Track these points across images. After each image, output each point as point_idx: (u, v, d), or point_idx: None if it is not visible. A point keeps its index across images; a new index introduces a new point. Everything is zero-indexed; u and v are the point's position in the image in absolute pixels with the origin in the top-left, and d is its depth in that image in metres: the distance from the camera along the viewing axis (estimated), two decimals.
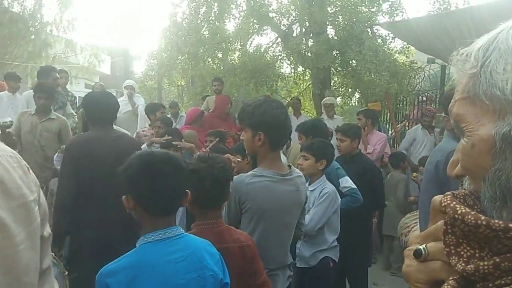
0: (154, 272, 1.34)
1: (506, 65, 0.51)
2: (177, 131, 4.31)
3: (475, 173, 0.57)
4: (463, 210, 0.51)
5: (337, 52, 8.02)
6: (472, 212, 0.51)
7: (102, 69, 20.60)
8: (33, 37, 14.32)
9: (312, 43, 7.94)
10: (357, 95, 10.35)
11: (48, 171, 3.81)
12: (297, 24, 8.85)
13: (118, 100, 7.57)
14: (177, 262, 1.38)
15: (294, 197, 2.08)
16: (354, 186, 3.12)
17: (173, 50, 9.56)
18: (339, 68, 8.98)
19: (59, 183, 2.65)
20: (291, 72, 10.14)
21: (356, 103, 11.30)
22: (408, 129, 7.11)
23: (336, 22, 8.05)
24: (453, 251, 0.52)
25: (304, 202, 2.20)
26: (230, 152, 3.05)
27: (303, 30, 8.64)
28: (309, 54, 7.68)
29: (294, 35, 8.59)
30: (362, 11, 8.00)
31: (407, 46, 9.74)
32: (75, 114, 5.23)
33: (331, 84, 9.41)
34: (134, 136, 4.90)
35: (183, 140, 4.19)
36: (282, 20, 8.91)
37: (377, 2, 8.28)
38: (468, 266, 0.49)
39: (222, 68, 9.69)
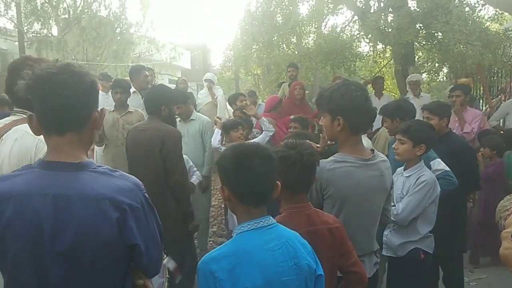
0: (254, 260, 1.37)
1: None
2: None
3: None
4: None
5: (421, 25, 7.45)
6: None
7: (183, 64, 21.59)
8: (118, 38, 15.40)
9: (392, 18, 7.46)
10: (445, 70, 9.60)
11: None
12: None
13: (199, 92, 7.92)
14: (274, 250, 1.41)
15: (378, 182, 1.98)
16: (447, 168, 2.87)
17: (248, 40, 9.65)
18: (423, 42, 8.36)
19: None
20: (370, 50, 9.69)
21: (444, 78, 10.50)
22: None
23: None
24: None
25: (389, 187, 2.08)
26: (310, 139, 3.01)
27: (381, 5, 8.18)
28: (389, 30, 7.23)
29: (372, 11, 8.15)
30: None
31: (500, 13, 8.77)
32: None
33: (415, 59, 8.81)
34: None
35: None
36: None
37: None
38: None
39: (296, 53, 9.57)
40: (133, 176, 1.36)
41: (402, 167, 2.77)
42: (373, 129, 4.77)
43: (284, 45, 10.03)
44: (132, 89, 4.81)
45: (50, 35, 15.17)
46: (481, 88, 8.03)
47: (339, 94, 1.92)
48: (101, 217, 1.21)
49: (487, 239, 4.24)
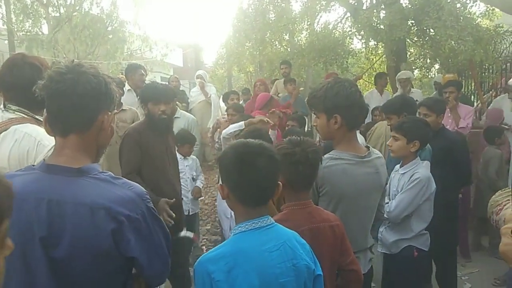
0: (251, 261, 1.35)
1: None
2: (250, 117, 4.36)
3: None
4: None
5: (413, 21, 7.49)
6: None
7: (175, 61, 21.48)
8: (111, 36, 15.29)
9: (384, 15, 7.49)
10: (436, 66, 9.65)
11: None
12: None
13: (192, 90, 7.88)
14: (271, 251, 1.38)
15: (374, 179, 1.99)
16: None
17: (240, 37, 9.64)
18: (415, 39, 8.40)
19: None
20: (362, 47, 9.72)
21: (436, 74, 10.58)
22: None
23: None
24: None
25: (384, 184, 2.09)
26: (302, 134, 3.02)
27: (374, 1, 8.20)
28: (381, 27, 7.25)
29: (364, 8, 8.17)
30: None
31: (491, 9, 8.83)
32: None
33: (407, 56, 8.85)
34: (215, 123, 5.06)
35: None
36: None
37: None
38: None
39: (289, 50, 9.58)
40: (137, 185, 1.29)
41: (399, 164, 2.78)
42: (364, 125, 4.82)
43: (276, 42, 10.04)
44: (127, 87, 4.77)
45: (40, 33, 15.01)
46: (473, 84, 8.09)
47: (334, 92, 1.91)
48: (94, 227, 1.16)
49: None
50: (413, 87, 6.58)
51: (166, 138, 3.13)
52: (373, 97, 6.75)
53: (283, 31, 9.37)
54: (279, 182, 1.47)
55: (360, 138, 2.19)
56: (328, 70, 8.93)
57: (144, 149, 2.97)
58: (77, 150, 1.25)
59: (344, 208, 1.93)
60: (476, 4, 7.94)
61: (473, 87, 8.28)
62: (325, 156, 1.95)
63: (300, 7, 9.40)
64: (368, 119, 5.24)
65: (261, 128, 3.29)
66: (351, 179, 1.91)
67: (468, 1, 7.64)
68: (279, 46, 10.20)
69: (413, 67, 9.03)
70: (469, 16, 7.31)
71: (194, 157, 4.37)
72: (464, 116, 4.67)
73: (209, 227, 5.49)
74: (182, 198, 3.43)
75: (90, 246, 1.17)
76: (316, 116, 2.03)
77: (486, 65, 7.96)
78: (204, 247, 4.74)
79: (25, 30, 14.76)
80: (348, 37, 8.95)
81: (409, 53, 9.24)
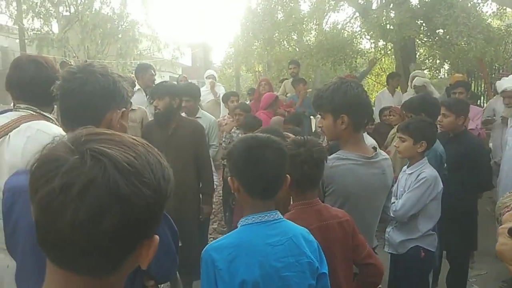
0: (253, 253, 1.38)
1: None
2: (255, 117, 4.38)
3: None
4: None
5: (422, 21, 7.44)
6: None
7: (184, 61, 21.57)
8: (120, 36, 15.40)
9: (393, 14, 7.45)
10: (446, 66, 9.59)
11: None
12: None
13: (201, 89, 7.92)
14: (275, 246, 1.41)
15: (380, 180, 1.99)
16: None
17: (249, 37, 9.65)
18: (424, 39, 8.35)
19: None
20: (371, 47, 9.68)
21: (446, 75, 10.49)
22: None
23: None
24: None
25: (390, 185, 2.09)
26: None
27: (383, 1, 8.16)
28: (391, 27, 7.21)
29: (374, 7, 8.14)
30: None
31: (503, 9, 8.75)
32: None
33: (416, 56, 8.80)
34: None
35: None
36: None
37: None
38: None
39: (297, 50, 9.57)
40: None
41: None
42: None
43: (285, 42, 10.03)
44: (137, 87, 4.80)
45: (51, 32, 15.16)
46: (483, 85, 8.02)
47: (341, 92, 1.90)
48: None
49: None
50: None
51: (167, 131, 3.30)
52: (384, 98, 6.73)
53: (291, 31, 9.36)
54: (287, 175, 1.49)
55: (368, 139, 2.18)
56: (336, 70, 8.91)
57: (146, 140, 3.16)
58: None
59: (350, 208, 1.92)
60: (487, 4, 7.87)
61: (483, 87, 8.21)
62: (332, 156, 1.95)
63: (308, 7, 9.40)
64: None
65: (277, 128, 3.35)
66: (357, 180, 1.91)
67: (479, 1, 7.58)
68: (287, 46, 10.19)
69: (422, 67, 8.97)
70: (480, 15, 7.25)
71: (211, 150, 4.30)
72: (473, 118, 4.63)
73: (215, 226, 5.51)
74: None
75: None
76: (321, 117, 2.03)
77: (496, 65, 7.89)
78: None
79: (36, 29, 14.92)
80: (357, 37, 8.92)
81: (418, 54, 9.19)
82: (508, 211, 2.67)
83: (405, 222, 2.59)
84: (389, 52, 9.97)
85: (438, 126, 3.12)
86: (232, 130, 4.73)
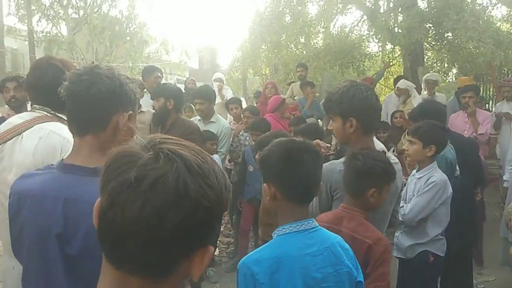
0: (295, 265, 1.36)
1: None
2: (264, 120, 4.36)
3: None
4: None
5: (431, 25, 7.40)
6: None
7: (191, 64, 21.67)
8: (128, 38, 15.50)
9: (402, 18, 7.42)
10: (454, 70, 9.53)
11: None
12: None
13: None
14: (314, 256, 1.38)
15: None
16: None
17: (256, 40, 9.65)
18: (433, 43, 8.30)
19: None
20: (379, 50, 9.65)
21: (454, 79, 10.43)
22: None
23: None
24: None
25: (400, 190, 2.07)
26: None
27: (391, 5, 8.14)
28: (399, 30, 7.18)
29: (382, 11, 8.11)
30: None
31: None
32: None
33: (425, 60, 8.75)
34: None
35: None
36: None
37: None
38: None
39: (305, 53, 9.56)
40: None
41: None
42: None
43: (292, 45, 10.02)
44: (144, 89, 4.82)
45: (60, 34, 15.30)
46: (491, 89, 7.95)
47: (350, 95, 1.89)
48: None
49: None
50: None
51: (162, 131, 3.42)
52: (391, 101, 6.71)
53: (299, 34, 9.35)
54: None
55: (378, 143, 2.16)
56: (344, 73, 8.88)
57: None
58: (94, 150, 1.27)
59: None
60: (496, 7, 7.82)
61: (491, 92, 8.14)
62: (340, 160, 1.94)
63: (316, 10, 9.39)
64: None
65: (286, 132, 3.44)
66: None
67: (488, 5, 7.53)
68: (295, 49, 10.18)
69: (430, 71, 8.92)
70: (489, 19, 7.20)
71: (217, 156, 4.20)
72: (482, 122, 4.60)
73: (222, 229, 5.50)
74: None
75: None
76: (332, 119, 2.03)
77: (505, 69, 7.83)
78: (217, 249, 4.75)
79: (45, 31, 15.07)
80: (364, 40, 8.90)
81: (426, 57, 9.14)
82: None
83: (414, 226, 2.57)
84: (397, 56, 9.94)
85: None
86: (240, 133, 4.72)
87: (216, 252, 4.61)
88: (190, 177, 0.65)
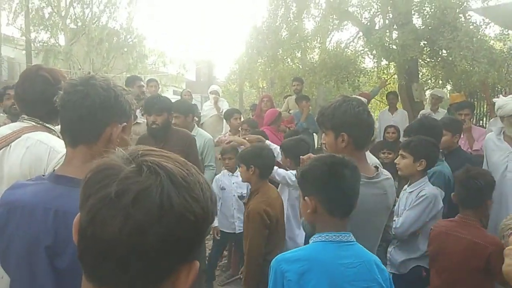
0: (325, 271, 1.40)
1: None
2: (262, 133, 4.37)
3: None
4: None
5: (425, 42, 7.50)
6: None
7: (188, 76, 21.77)
8: (125, 49, 15.57)
9: (397, 35, 7.52)
10: (448, 87, 9.62)
11: None
12: (380, 16, 8.46)
13: (204, 104, 7.98)
14: (347, 267, 1.42)
15: (382, 200, 1.97)
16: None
17: (253, 53, 9.73)
18: (427, 59, 8.40)
19: None
20: (374, 66, 9.74)
21: (448, 96, 10.54)
22: None
23: (423, 11, 7.54)
24: None
25: (392, 205, 2.07)
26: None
27: (386, 22, 8.24)
28: (394, 47, 7.28)
29: (377, 27, 8.22)
30: None
31: (506, 32, 8.82)
32: None
33: (419, 76, 8.85)
34: (216, 140, 5.06)
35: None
36: (363, 13, 8.59)
37: None
38: None
39: (301, 67, 9.64)
40: None
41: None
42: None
43: (288, 60, 10.10)
44: None
45: (57, 44, 15.35)
46: (485, 106, 8.03)
47: (342, 110, 1.91)
48: None
49: None
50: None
51: (163, 146, 3.27)
52: (384, 117, 6.80)
53: (295, 49, 9.43)
54: None
55: (371, 157, 2.17)
56: (339, 88, 8.94)
57: None
58: (86, 161, 1.26)
59: (351, 228, 1.90)
60: (489, 26, 7.93)
61: (485, 109, 8.22)
62: None
63: (313, 26, 9.48)
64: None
65: None
66: (358, 200, 1.90)
67: (481, 24, 7.65)
68: (291, 63, 10.26)
69: (425, 88, 9.01)
70: (483, 38, 7.31)
71: (210, 172, 4.10)
72: (477, 138, 4.63)
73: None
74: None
75: None
76: (324, 134, 2.04)
77: (498, 87, 7.92)
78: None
79: (42, 41, 15.11)
80: (360, 56, 8.98)
81: (421, 74, 9.24)
82: None
83: (406, 241, 2.58)
84: (391, 71, 10.04)
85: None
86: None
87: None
88: (174, 190, 0.63)
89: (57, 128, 1.87)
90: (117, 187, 0.61)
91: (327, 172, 1.48)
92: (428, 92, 9.29)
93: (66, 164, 1.29)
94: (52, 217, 1.18)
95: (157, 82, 6.87)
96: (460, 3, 7.15)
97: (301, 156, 2.34)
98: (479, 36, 6.90)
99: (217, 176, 4.19)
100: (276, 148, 3.39)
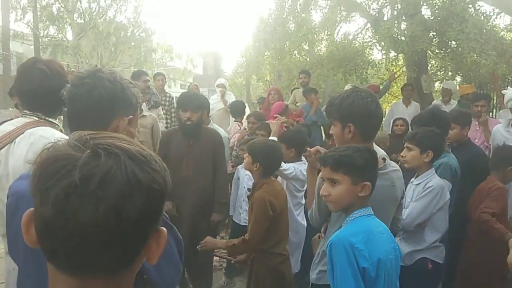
0: (376, 238, 1.68)
1: None
2: (268, 125, 4.35)
3: None
4: None
5: (434, 33, 7.40)
6: None
7: (195, 69, 21.78)
8: (133, 43, 15.59)
9: (405, 26, 7.43)
10: (458, 78, 9.51)
11: None
12: (388, 7, 8.37)
13: (211, 98, 7.99)
14: (383, 233, 1.73)
15: (389, 192, 1.97)
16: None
17: (260, 46, 9.69)
18: (436, 51, 8.30)
19: None
20: (382, 58, 9.66)
21: (458, 87, 10.43)
22: None
23: (432, 1, 7.44)
24: None
25: (400, 197, 2.07)
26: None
27: (395, 13, 8.15)
28: (402, 38, 7.19)
29: (385, 19, 8.13)
30: None
31: None
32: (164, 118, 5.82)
33: (428, 68, 8.75)
34: (227, 132, 5.05)
35: None
36: (372, 4, 8.50)
37: None
38: None
39: (308, 60, 9.58)
40: None
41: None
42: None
43: (296, 52, 10.05)
44: None
45: (65, 39, 15.42)
46: (495, 98, 7.94)
47: (349, 101, 1.91)
48: None
49: None
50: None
51: (194, 143, 3.38)
52: (397, 109, 6.78)
53: (302, 41, 9.37)
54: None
55: (379, 149, 2.15)
56: (347, 80, 8.89)
57: (167, 148, 3.42)
58: None
59: None
60: (500, 17, 7.81)
61: (495, 100, 8.13)
62: None
63: (320, 18, 9.41)
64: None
65: None
66: None
67: (492, 14, 7.53)
68: (298, 56, 10.21)
69: (434, 79, 8.92)
70: (493, 29, 7.20)
71: None
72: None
73: (223, 234, 5.50)
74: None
75: None
76: (333, 124, 2.04)
77: (509, 78, 7.81)
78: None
79: (50, 36, 15.19)
80: (368, 48, 8.91)
81: (430, 65, 9.14)
82: None
83: (412, 233, 2.57)
84: (400, 63, 9.95)
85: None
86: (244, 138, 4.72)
87: (217, 259, 4.60)
88: (136, 166, 0.64)
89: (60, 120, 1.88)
90: (79, 174, 0.60)
91: (371, 159, 1.76)
92: (437, 84, 9.20)
93: None
94: None
95: (164, 76, 6.88)
96: None
97: (308, 148, 2.34)
98: (488, 27, 6.80)
99: (238, 167, 4.23)
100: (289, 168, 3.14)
